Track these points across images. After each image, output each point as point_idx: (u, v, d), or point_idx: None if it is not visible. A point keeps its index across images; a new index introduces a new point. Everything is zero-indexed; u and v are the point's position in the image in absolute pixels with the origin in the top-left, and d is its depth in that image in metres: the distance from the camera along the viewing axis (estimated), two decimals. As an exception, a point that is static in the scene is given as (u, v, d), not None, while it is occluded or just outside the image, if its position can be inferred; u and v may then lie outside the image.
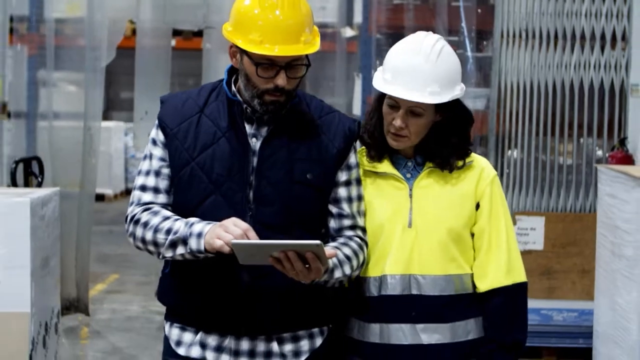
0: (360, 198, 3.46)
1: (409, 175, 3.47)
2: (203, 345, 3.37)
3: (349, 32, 12.17)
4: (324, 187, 3.36)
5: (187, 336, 3.40)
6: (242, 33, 3.21)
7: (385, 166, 3.47)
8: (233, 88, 3.36)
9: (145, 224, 3.28)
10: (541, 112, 8.28)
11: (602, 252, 5.59)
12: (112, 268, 10.58)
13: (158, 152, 3.36)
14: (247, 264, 3.16)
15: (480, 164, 3.49)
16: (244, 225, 3.10)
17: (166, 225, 3.24)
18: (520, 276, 3.44)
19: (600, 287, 5.66)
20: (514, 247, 3.47)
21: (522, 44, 8.52)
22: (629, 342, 5.02)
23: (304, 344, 3.41)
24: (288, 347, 3.38)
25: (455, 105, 3.44)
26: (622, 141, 7.72)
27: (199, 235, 3.16)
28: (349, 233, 3.41)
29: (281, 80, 3.22)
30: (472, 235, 3.46)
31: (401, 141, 3.40)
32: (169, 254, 3.23)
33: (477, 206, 3.45)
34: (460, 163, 3.43)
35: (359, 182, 3.45)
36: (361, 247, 3.40)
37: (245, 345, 3.34)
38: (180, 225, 3.21)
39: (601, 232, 5.61)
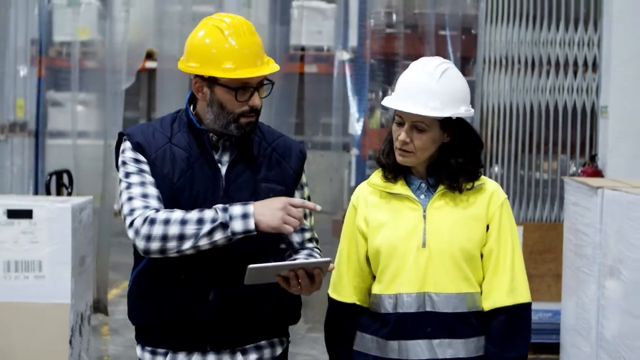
0: (311, 213, 3.61)
1: (422, 197, 3.52)
2: None
3: (344, 56, 12.39)
4: None
5: (159, 359, 3.50)
6: (213, 66, 3.35)
7: (400, 187, 3.52)
8: (194, 118, 3.48)
9: (166, 221, 3.30)
10: (520, 132, 8.88)
11: (567, 254, 6.28)
12: (124, 275, 11.21)
13: (145, 167, 3.43)
14: (250, 284, 3.24)
15: (490, 187, 3.54)
16: (295, 200, 3.29)
17: (193, 216, 3.29)
18: (522, 297, 3.47)
19: (566, 285, 6.33)
20: (519, 269, 3.49)
21: (502, 69, 9.12)
22: (590, 332, 5.69)
23: (267, 352, 3.53)
24: (252, 357, 3.50)
25: (463, 127, 3.49)
26: (593, 157, 8.37)
27: (245, 215, 3.24)
28: (310, 245, 3.56)
29: (257, 100, 3.39)
30: (482, 255, 3.50)
31: (407, 156, 3.46)
32: (202, 241, 3.25)
33: (487, 228, 3.49)
34: (469, 185, 3.47)
35: (309, 199, 3.61)
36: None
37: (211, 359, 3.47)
38: (211, 212, 3.28)
39: (567, 236, 6.30)
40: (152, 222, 3.29)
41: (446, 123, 3.42)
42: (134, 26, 9.26)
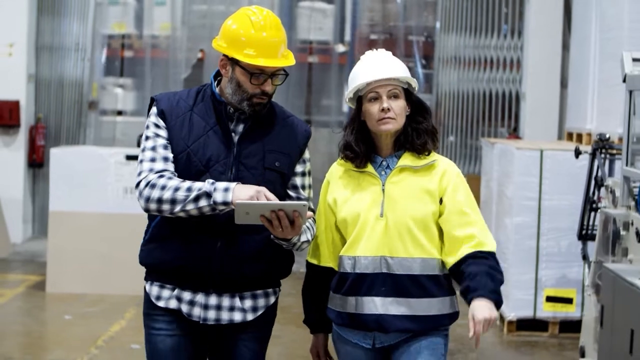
0: (310, 186, 3.76)
1: (383, 173, 3.66)
2: (179, 299, 3.62)
3: (341, 48, 12.89)
4: (286, 174, 3.66)
5: (166, 292, 3.65)
6: (237, 49, 3.51)
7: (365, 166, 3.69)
8: (216, 91, 3.63)
9: (163, 187, 3.47)
10: (466, 111, 11.41)
11: (484, 192, 9.30)
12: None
13: (162, 132, 3.60)
14: (240, 223, 3.39)
15: (443, 166, 3.68)
16: (265, 190, 3.42)
17: (185, 185, 3.47)
18: (491, 247, 3.59)
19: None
20: (484, 229, 3.60)
21: (453, 66, 11.58)
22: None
23: (261, 301, 3.68)
24: (248, 304, 3.65)
25: (418, 99, 3.69)
26: (515, 128, 10.94)
27: (226, 189, 3.41)
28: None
29: (268, 86, 3.54)
30: (439, 225, 3.62)
31: (390, 123, 3.60)
32: (189, 206, 3.43)
33: (441, 201, 3.62)
34: (425, 159, 3.63)
35: (310, 173, 3.75)
36: (314, 222, 3.74)
37: (213, 300, 3.61)
38: (200, 184, 3.46)
39: (483, 180, 9.33)
40: (153, 186, 3.48)
41: (408, 95, 3.66)
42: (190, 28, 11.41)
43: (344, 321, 3.69)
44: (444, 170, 3.65)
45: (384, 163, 3.66)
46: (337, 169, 3.76)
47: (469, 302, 3.51)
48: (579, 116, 9.08)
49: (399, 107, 3.61)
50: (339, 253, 3.72)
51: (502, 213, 8.15)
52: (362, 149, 3.65)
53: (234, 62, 3.52)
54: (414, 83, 3.67)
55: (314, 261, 3.79)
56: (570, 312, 7.85)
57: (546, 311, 7.95)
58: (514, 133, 11.01)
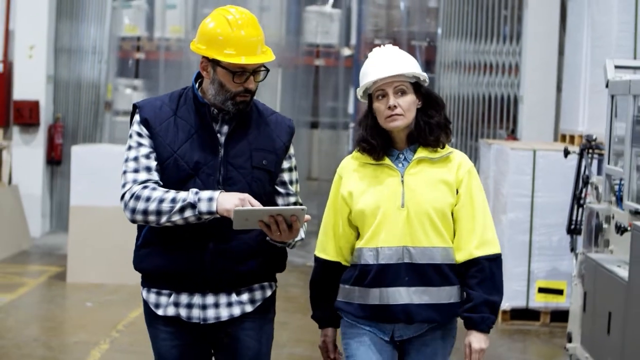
0: (297, 181, 3.76)
1: (400, 165, 3.67)
2: (176, 304, 3.63)
3: (346, 52, 13.29)
4: (274, 172, 3.66)
5: (163, 298, 3.65)
6: (217, 50, 3.49)
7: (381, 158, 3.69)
8: (199, 93, 3.61)
9: (148, 198, 3.47)
10: (466, 113, 11.80)
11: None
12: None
13: (145, 141, 3.58)
14: (238, 228, 3.39)
15: (458, 158, 3.69)
16: (253, 200, 3.42)
17: (169, 196, 3.46)
18: (494, 249, 3.66)
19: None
20: (489, 226, 3.66)
21: (454, 70, 11.98)
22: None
23: (258, 294, 3.70)
24: (245, 297, 3.66)
25: (428, 92, 3.68)
26: (513, 130, 11.24)
27: (210, 199, 3.41)
28: None
29: (251, 84, 3.54)
30: (453, 215, 3.66)
31: (398, 119, 3.60)
32: (175, 217, 3.43)
33: (457, 192, 3.65)
34: (439, 152, 3.64)
35: (296, 168, 3.76)
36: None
37: (210, 299, 3.62)
38: (184, 194, 3.44)
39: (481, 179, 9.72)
40: (138, 198, 3.49)
41: (417, 88, 3.64)
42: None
43: (365, 314, 3.68)
44: (459, 162, 3.69)
45: (401, 156, 3.68)
46: (350, 163, 3.76)
47: (467, 327, 3.69)
48: (572, 119, 9.51)
49: (406, 103, 3.61)
50: (352, 246, 3.74)
51: (498, 209, 8.61)
52: (379, 142, 3.67)
53: (215, 62, 3.52)
54: (423, 76, 3.66)
55: (324, 256, 3.80)
56: (560, 302, 8.30)
57: (538, 302, 8.42)
58: (512, 134, 11.33)
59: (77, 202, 9.41)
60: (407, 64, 3.64)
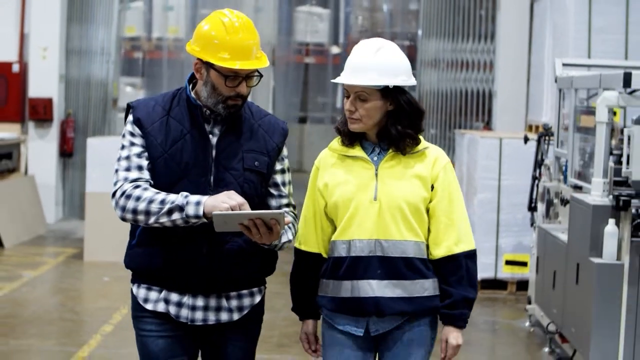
0: (290, 182, 3.69)
1: (375, 158, 3.60)
2: (166, 301, 3.59)
3: (335, 50, 13.80)
4: (266, 174, 3.61)
5: (153, 294, 3.61)
6: (212, 53, 3.44)
7: (356, 151, 3.60)
8: (192, 94, 3.54)
9: (138, 198, 3.42)
10: (445, 107, 12.48)
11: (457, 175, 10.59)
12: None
13: (137, 141, 3.52)
14: (220, 231, 3.37)
15: (434, 153, 3.61)
16: (240, 198, 3.36)
17: (159, 197, 3.41)
18: (469, 245, 3.61)
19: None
20: (465, 221, 3.61)
21: (433, 67, 12.63)
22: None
23: (246, 301, 3.66)
24: (234, 303, 3.62)
25: (404, 96, 3.53)
26: (487, 122, 12.06)
27: (197, 203, 3.36)
28: (286, 210, 3.63)
29: (243, 88, 3.48)
30: (427, 211, 3.59)
31: (354, 123, 3.54)
32: (163, 219, 3.38)
33: (432, 187, 3.59)
34: (414, 150, 3.55)
35: (289, 170, 3.69)
36: (296, 220, 3.67)
37: (200, 302, 3.59)
38: (174, 196, 3.39)
39: (456, 165, 10.73)
40: (128, 197, 3.44)
41: (387, 92, 3.49)
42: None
43: (338, 306, 3.63)
44: (435, 157, 3.61)
45: (377, 149, 3.61)
46: (328, 155, 3.69)
47: (444, 323, 3.65)
48: (537, 110, 10.41)
49: (365, 110, 3.52)
50: (330, 239, 3.67)
51: (470, 192, 9.54)
52: (347, 130, 3.60)
53: (209, 65, 3.47)
54: (397, 82, 3.50)
55: (304, 247, 3.73)
56: (525, 273, 9.13)
57: (505, 273, 9.33)
58: (487, 126, 12.12)
59: (92, 189, 10.25)
60: (372, 76, 3.50)
